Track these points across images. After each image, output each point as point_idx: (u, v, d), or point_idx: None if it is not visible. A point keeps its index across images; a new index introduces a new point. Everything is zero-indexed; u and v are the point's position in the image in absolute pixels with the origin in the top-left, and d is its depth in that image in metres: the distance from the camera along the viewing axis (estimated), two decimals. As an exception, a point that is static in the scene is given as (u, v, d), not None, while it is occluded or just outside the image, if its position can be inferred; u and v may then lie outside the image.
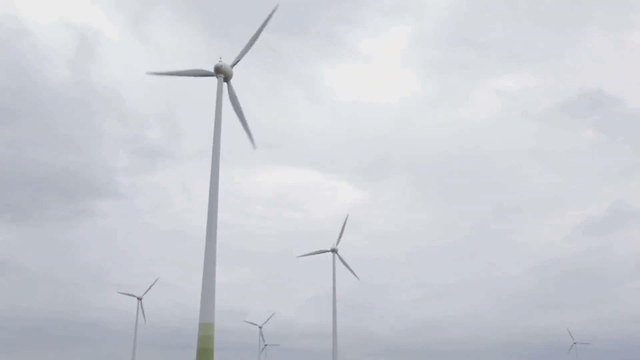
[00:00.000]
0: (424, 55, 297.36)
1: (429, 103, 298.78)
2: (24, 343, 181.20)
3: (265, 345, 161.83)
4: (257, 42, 50.52)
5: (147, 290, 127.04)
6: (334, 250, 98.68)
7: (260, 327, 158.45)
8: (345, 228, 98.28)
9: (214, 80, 49.60)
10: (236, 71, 50.36)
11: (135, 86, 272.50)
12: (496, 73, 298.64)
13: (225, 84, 49.91)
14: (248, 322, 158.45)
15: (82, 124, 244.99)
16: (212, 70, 49.50)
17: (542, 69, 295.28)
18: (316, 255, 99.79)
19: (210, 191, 45.51)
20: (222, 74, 49.35)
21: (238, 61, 50.38)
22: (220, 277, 43.94)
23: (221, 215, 45.33)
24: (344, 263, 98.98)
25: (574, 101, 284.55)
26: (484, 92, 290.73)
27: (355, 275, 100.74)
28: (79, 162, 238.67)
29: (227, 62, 49.92)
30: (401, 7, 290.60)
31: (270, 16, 49.83)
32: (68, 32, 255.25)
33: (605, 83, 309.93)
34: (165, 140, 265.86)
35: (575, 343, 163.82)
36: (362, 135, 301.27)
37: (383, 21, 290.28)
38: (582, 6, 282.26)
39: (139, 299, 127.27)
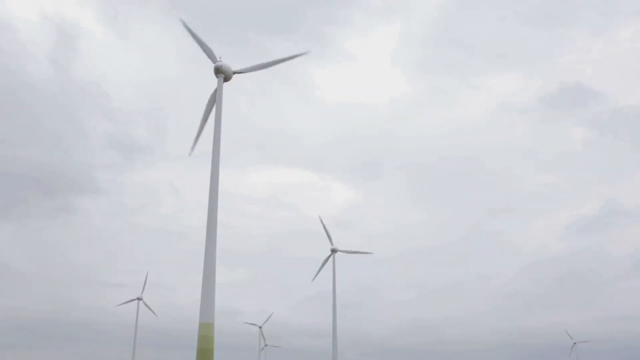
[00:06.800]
0: (412, 56, 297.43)
1: (419, 103, 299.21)
2: (12, 342, 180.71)
3: (265, 345, 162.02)
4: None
5: (143, 289, 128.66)
6: (334, 251, 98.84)
7: (260, 327, 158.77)
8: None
9: (206, 77, 49.87)
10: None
11: (121, 83, 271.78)
12: (484, 73, 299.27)
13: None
14: (248, 323, 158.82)
15: (66, 121, 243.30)
16: (215, 64, 49.63)
17: (530, 69, 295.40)
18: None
19: (210, 191, 45.50)
20: (222, 74, 49.52)
21: (242, 72, 50.61)
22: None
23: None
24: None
25: (564, 100, 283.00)
26: (473, 92, 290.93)
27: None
28: (62, 159, 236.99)
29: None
30: (389, 7, 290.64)
31: (297, 55, 51.35)
32: (50, 27, 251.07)
33: (594, 82, 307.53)
34: (151, 137, 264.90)
35: (575, 343, 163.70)
36: (352, 135, 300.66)
37: (371, 21, 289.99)
38: (569, 6, 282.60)
39: (139, 299, 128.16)
